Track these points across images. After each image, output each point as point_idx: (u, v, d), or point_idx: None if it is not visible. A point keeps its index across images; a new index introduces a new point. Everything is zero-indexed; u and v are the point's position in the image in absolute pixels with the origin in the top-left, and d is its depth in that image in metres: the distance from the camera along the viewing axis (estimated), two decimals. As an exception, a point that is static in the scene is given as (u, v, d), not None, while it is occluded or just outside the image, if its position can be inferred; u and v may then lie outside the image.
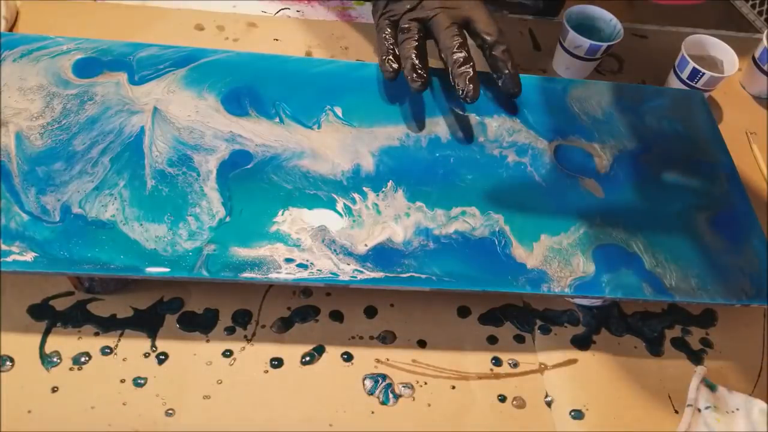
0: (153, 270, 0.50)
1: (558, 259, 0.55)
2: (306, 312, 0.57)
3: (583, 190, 0.60)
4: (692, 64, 0.74)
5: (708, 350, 0.60)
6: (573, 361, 0.57)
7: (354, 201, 0.56)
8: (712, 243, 0.58)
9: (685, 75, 0.76)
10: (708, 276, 0.56)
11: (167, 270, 0.50)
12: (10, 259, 0.49)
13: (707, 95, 0.75)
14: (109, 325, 0.54)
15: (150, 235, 0.51)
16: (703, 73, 0.74)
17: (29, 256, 0.49)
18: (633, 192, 0.61)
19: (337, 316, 0.57)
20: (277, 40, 0.77)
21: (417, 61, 0.60)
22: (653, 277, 0.55)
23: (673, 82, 0.78)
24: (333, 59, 0.68)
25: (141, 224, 0.52)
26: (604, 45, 0.74)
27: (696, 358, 0.59)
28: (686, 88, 0.76)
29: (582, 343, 0.58)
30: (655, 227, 0.58)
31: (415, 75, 0.59)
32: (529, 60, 0.81)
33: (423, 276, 0.52)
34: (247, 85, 0.62)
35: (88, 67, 0.61)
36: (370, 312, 0.58)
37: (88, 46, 0.62)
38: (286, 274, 0.51)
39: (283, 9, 0.80)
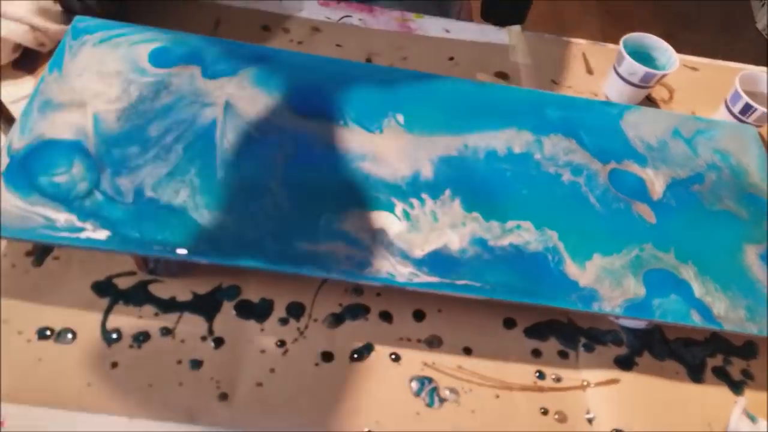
0: (216, 258, 0.51)
1: (609, 279, 0.56)
2: (356, 310, 0.59)
3: (636, 214, 0.61)
4: (745, 98, 0.75)
5: (748, 381, 0.60)
6: (615, 381, 0.58)
7: (412, 206, 0.58)
8: (760, 276, 0.59)
9: (737, 109, 0.77)
10: (755, 308, 0.57)
11: (231, 257, 0.52)
12: (83, 236, 0.51)
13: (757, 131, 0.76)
14: (168, 306, 0.56)
15: (217, 223, 0.53)
16: (756, 109, 0.75)
17: (102, 234, 0.51)
18: (684, 220, 0.62)
19: (386, 316, 0.59)
20: (339, 45, 0.79)
21: None
22: (702, 305, 0.56)
23: (724, 115, 0.79)
24: (397, 68, 0.70)
25: (210, 212, 0.54)
26: (660, 74, 0.75)
27: (736, 388, 0.60)
28: (737, 122, 0.77)
29: (625, 363, 0.59)
30: (705, 256, 0.59)
31: None
32: (581, 82, 0.82)
33: (478, 284, 0.54)
34: (314, 86, 0.64)
35: (164, 57, 0.63)
36: (419, 315, 0.59)
37: (165, 37, 0.65)
38: (345, 271, 0.52)
39: (345, 16, 0.82)
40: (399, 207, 0.57)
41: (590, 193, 0.62)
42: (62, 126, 0.56)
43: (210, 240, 0.52)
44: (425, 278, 0.54)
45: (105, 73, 0.60)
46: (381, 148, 0.61)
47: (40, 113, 0.57)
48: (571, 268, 0.56)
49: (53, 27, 0.67)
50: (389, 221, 0.56)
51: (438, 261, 0.55)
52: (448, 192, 0.59)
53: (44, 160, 0.54)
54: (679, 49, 0.80)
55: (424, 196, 0.59)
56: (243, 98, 0.61)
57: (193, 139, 0.57)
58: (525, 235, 0.58)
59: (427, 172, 0.60)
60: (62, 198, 0.52)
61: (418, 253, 0.55)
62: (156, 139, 0.57)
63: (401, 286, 0.53)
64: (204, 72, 0.62)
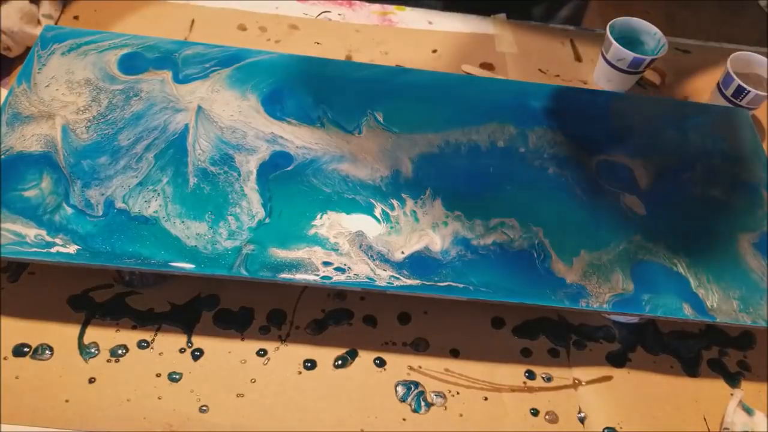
0: (193, 267, 0.50)
1: (597, 274, 0.54)
2: (340, 315, 0.57)
3: (624, 206, 0.59)
4: (738, 81, 0.73)
5: (745, 373, 0.59)
6: (608, 378, 0.57)
7: (392, 207, 0.56)
8: (754, 265, 0.57)
9: (729, 92, 0.74)
10: (750, 298, 0.55)
11: (207, 267, 0.50)
12: (54, 250, 0.50)
13: (750, 113, 0.74)
14: (146, 318, 0.55)
15: (191, 232, 0.52)
16: (748, 91, 0.73)
17: (72, 249, 0.50)
18: (675, 210, 0.60)
19: (370, 320, 0.57)
20: (318, 43, 0.77)
21: None
22: (695, 298, 0.54)
23: (717, 99, 0.77)
24: (374, 64, 0.68)
25: (183, 221, 0.52)
26: (648, 58, 0.73)
27: (733, 380, 0.58)
28: (730, 105, 0.75)
29: (617, 359, 0.58)
30: (696, 247, 0.57)
31: None
32: (570, 71, 0.80)
33: (460, 285, 0.52)
34: (290, 87, 0.63)
35: (134, 63, 0.62)
36: (404, 318, 0.58)
37: (135, 43, 0.63)
38: (323, 276, 0.51)
39: (324, 12, 0.81)
40: (378, 208, 0.56)
41: (577, 186, 0.60)
42: (31, 139, 0.55)
43: (184, 250, 0.51)
44: (406, 281, 0.52)
45: (74, 83, 0.59)
46: (359, 149, 0.60)
47: (9, 127, 0.56)
48: (558, 265, 0.55)
49: (18, 30, 0.65)
50: (368, 223, 0.55)
51: (419, 263, 0.53)
52: (429, 191, 0.58)
53: (13, 174, 0.53)
54: (679, 31, 0.77)
55: (404, 196, 0.57)
56: (216, 102, 0.60)
57: (165, 146, 0.56)
58: (509, 232, 0.56)
59: (407, 171, 0.59)
60: (31, 213, 0.51)
61: (399, 255, 0.53)
62: (126, 148, 0.55)
63: (381, 290, 0.52)
64: (175, 77, 0.61)
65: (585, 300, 0.53)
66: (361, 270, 0.52)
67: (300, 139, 0.59)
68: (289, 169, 0.57)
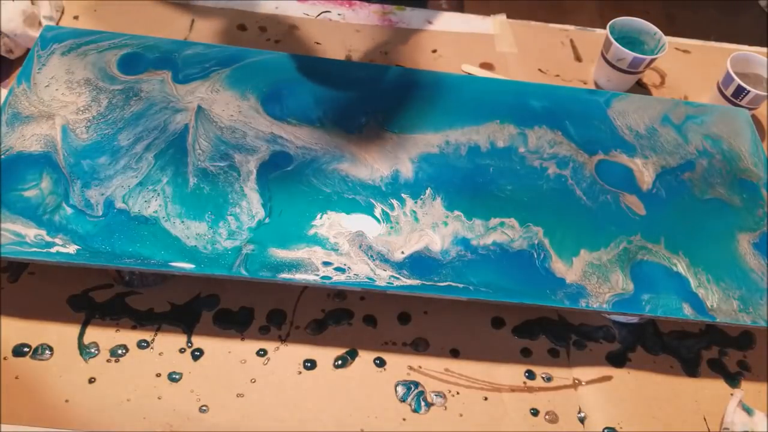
0: (193, 267, 0.50)
1: (597, 274, 0.54)
2: (340, 315, 0.57)
3: (624, 206, 0.59)
4: (738, 81, 0.73)
5: (745, 373, 0.59)
6: (608, 378, 0.57)
7: (392, 207, 0.56)
8: (754, 265, 0.57)
9: (729, 92, 0.74)
10: (750, 298, 0.55)
11: (207, 267, 0.50)
12: (53, 250, 0.50)
13: (750, 113, 0.74)
14: (146, 318, 0.55)
15: (191, 232, 0.52)
16: (748, 91, 0.73)
17: (72, 249, 0.50)
18: (675, 210, 0.60)
19: (370, 320, 0.57)
20: (318, 43, 0.77)
21: None
22: (695, 298, 0.54)
23: (717, 99, 0.77)
24: (374, 64, 0.68)
25: (182, 221, 0.52)
26: (648, 58, 0.73)
27: (733, 380, 0.58)
28: (730, 105, 0.75)
29: (617, 360, 0.58)
30: (696, 247, 0.57)
31: None
32: (569, 71, 0.80)
33: (460, 285, 0.52)
34: (290, 87, 0.63)
35: (134, 63, 0.62)
36: (404, 318, 0.58)
37: (135, 43, 0.63)
38: (323, 276, 0.51)
39: (324, 12, 0.81)
40: (378, 208, 0.56)
41: (576, 186, 0.60)
42: (31, 139, 0.55)
43: (184, 250, 0.51)
44: (406, 281, 0.52)
45: (74, 83, 0.59)
46: (359, 149, 0.60)
47: (9, 127, 0.56)
48: (558, 265, 0.54)
49: (21, 32, 0.65)
50: (368, 223, 0.55)
51: (419, 263, 0.53)
52: (429, 191, 0.58)
53: (13, 174, 0.53)
54: (679, 31, 0.77)
55: (404, 195, 0.57)
56: (215, 102, 0.60)
57: (165, 146, 0.56)
58: (509, 232, 0.56)
59: (407, 171, 0.59)
60: (31, 213, 0.51)
61: (398, 255, 0.53)
62: (126, 148, 0.55)
63: (381, 290, 0.52)
64: (175, 77, 0.61)
65: (585, 300, 0.53)
66: (361, 270, 0.52)
67: (300, 139, 0.59)
68: (289, 169, 0.57)
